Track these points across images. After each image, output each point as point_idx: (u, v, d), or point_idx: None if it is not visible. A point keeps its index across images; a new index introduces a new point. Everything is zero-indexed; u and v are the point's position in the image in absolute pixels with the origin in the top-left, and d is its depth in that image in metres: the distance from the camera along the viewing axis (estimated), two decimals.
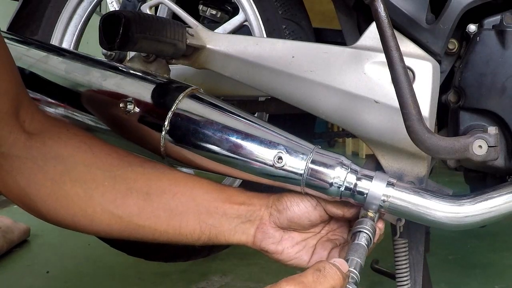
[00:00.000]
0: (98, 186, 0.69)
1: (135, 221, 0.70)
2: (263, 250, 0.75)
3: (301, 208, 0.73)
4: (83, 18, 1.30)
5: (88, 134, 0.74)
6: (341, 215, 0.74)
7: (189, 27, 0.92)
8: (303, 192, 0.74)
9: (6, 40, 0.91)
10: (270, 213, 0.74)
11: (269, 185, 0.78)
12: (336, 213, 0.74)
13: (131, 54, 1.04)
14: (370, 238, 0.68)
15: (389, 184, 0.72)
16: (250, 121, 0.77)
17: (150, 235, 0.71)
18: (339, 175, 0.72)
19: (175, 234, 0.71)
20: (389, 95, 0.78)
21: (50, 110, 0.86)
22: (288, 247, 0.74)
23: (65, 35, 1.30)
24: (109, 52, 1.13)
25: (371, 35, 0.84)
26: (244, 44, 0.89)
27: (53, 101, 0.86)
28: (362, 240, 0.68)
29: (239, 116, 0.77)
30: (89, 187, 0.68)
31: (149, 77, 0.84)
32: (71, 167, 0.68)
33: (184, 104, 0.78)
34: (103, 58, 1.05)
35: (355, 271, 0.62)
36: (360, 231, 0.69)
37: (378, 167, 0.83)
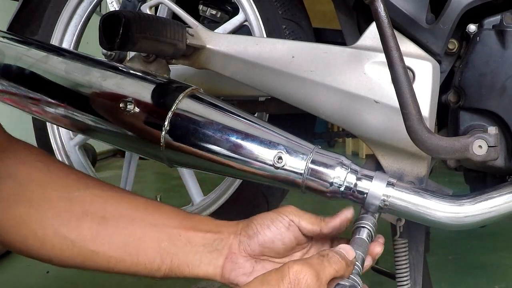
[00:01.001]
0: (52, 208, 0.64)
1: (88, 247, 0.64)
2: (232, 283, 0.68)
3: (272, 230, 0.67)
4: (83, 18, 1.30)
5: (48, 156, 0.71)
6: (318, 231, 0.68)
7: (189, 27, 0.92)
8: (303, 192, 0.74)
9: (6, 40, 0.91)
10: (239, 241, 0.68)
11: (269, 185, 0.78)
12: (312, 230, 0.68)
13: (131, 54, 1.04)
14: (372, 235, 0.68)
15: (389, 184, 0.72)
16: (250, 121, 0.77)
17: (105, 263, 0.66)
18: (339, 175, 0.72)
19: (132, 262, 0.66)
20: (389, 95, 0.78)
21: (50, 110, 0.86)
22: None
23: (65, 35, 1.30)
24: (109, 52, 1.13)
25: (371, 35, 0.84)
26: (244, 44, 0.89)
27: (53, 101, 0.86)
28: (364, 235, 0.67)
29: (239, 116, 0.77)
30: (42, 207, 0.64)
31: (149, 77, 0.84)
32: (25, 187, 0.65)
33: (184, 104, 0.78)
34: (103, 58, 1.05)
35: (358, 263, 0.62)
36: (363, 227, 0.68)
37: (378, 167, 0.83)
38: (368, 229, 0.68)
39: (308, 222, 0.68)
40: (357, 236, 0.67)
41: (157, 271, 0.66)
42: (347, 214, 0.69)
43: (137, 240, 0.66)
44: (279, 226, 0.67)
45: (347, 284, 0.58)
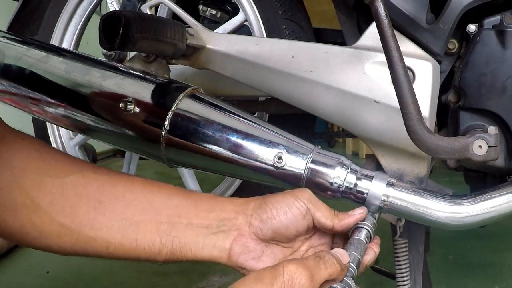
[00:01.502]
0: (46, 195, 0.63)
1: (85, 233, 0.63)
2: (240, 266, 0.65)
3: (289, 217, 0.64)
4: (83, 18, 1.30)
5: (43, 143, 0.69)
6: (330, 226, 0.65)
7: (189, 27, 0.92)
8: None
9: (6, 40, 0.91)
10: (250, 223, 0.65)
11: (269, 185, 0.78)
12: (325, 225, 0.65)
13: (131, 54, 1.04)
14: (370, 236, 0.68)
15: (389, 184, 0.72)
16: (250, 121, 0.77)
17: (104, 249, 0.63)
18: (339, 175, 0.72)
19: (131, 247, 0.63)
20: (389, 95, 0.78)
21: (50, 110, 0.86)
22: (269, 265, 0.63)
23: (65, 35, 1.30)
24: (109, 52, 1.14)
25: (371, 35, 0.84)
26: (244, 44, 0.89)
27: (53, 101, 0.86)
28: (362, 236, 0.66)
29: (239, 116, 0.77)
30: (36, 196, 0.63)
31: (149, 77, 0.84)
32: (19, 175, 0.63)
33: (184, 104, 0.78)
34: (103, 58, 1.05)
35: (353, 265, 0.62)
36: (362, 227, 0.67)
37: (378, 167, 0.83)
38: (367, 230, 0.67)
39: (323, 215, 0.65)
40: (355, 237, 0.66)
41: (158, 254, 0.64)
42: (361, 213, 0.67)
43: (134, 223, 0.63)
44: (297, 213, 0.64)
45: (340, 287, 0.58)
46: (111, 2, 1.25)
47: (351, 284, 0.59)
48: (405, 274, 0.89)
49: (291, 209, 0.64)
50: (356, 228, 0.68)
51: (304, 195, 0.66)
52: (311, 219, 0.65)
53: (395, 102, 0.71)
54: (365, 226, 0.67)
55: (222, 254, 0.65)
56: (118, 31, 0.75)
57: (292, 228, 0.65)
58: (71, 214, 0.63)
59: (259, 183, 0.78)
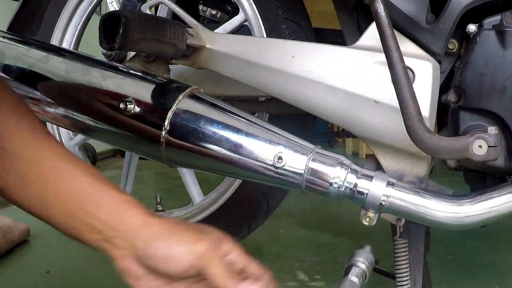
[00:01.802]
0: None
1: (14, 198, 0.67)
2: (123, 280, 0.65)
3: (168, 266, 0.61)
4: (83, 18, 1.30)
5: (19, 108, 0.70)
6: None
7: (189, 27, 0.92)
8: (303, 192, 0.74)
9: (6, 40, 0.91)
10: (135, 253, 0.63)
11: (269, 185, 0.78)
12: (217, 285, 0.59)
13: (131, 54, 1.04)
14: (366, 275, 0.64)
15: (389, 184, 0.72)
16: (250, 121, 0.77)
17: (29, 213, 0.69)
18: (339, 175, 0.72)
19: (45, 221, 0.68)
20: (389, 95, 0.78)
21: (50, 110, 0.86)
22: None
23: (65, 35, 1.30)
24: (109, 52, 1.14)
25: (371, 35, 0.84)
26: (244, 44, 0.89)
27: (53, 101, 0.86)
28: (355, 274, 0.63)
29: (239, 116, 0.77)
30: None
31: (149, 77, 0.84)
32: None
33: (184, 104, 0.78)
34: (103, 58, 1.05)
35: None
36: (356, 266, 0.64)
37: (378, 167, 0.83)
38: (363, 269, 0.64)
39: (217, 274, 0.59)
40: (348, 276, 0.63)
41: (65, 230, 0.67)
42: (265, 285, 0.60)
43: (47, 204, 0.66)
44: (176, 267, 0.61)
45: None
46: (111, 2, 1.25)
47: None
48: (405, 274, 0.89)
49: (173, 261, 0.61)
50: (350, 265, 0.65)
51: (201, 247, 0.61)
52: (200, 272, 0.61)
53: (395, 102, 0.72)
54: (360, 265, 0.65)
55: (111, 258, 0.65)
56: (118, 31, 0.75)
57: (170, 273, 0.61)
58: (3, 179, 0.67)
59: (259, 183, 0.78)
